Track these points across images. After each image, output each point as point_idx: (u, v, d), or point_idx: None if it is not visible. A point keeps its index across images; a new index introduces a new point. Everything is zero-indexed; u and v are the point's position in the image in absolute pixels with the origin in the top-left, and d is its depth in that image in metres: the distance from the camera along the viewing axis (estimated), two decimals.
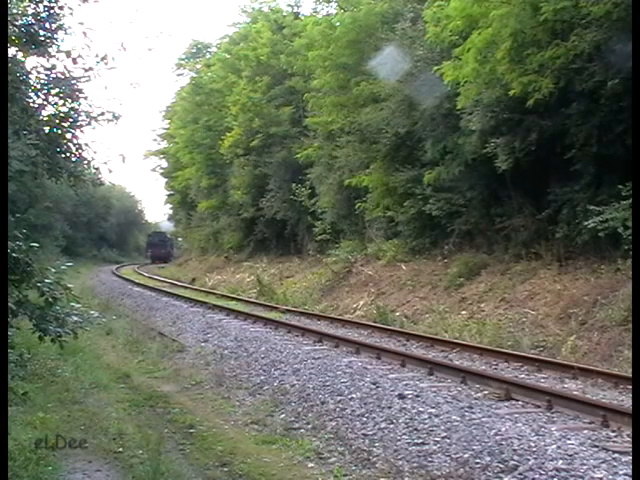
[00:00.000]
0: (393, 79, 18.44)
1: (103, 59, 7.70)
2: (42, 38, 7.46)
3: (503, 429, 6.22)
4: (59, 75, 7.61)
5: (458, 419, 6.59)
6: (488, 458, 5.59)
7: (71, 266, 7.27)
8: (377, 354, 10.36)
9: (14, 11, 7.41)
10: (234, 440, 6.68)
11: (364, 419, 7.04)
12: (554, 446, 5.70)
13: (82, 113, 7.93)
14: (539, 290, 12.99)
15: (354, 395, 7.81)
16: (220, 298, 21.83)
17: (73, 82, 7.65)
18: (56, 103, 7.81)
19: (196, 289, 26.78)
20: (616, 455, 5.51)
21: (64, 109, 7.81)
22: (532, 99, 12.73)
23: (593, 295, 11.50)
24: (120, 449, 5.97)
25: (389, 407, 7.20)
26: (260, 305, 19.31)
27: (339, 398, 7.83)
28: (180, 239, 61.26)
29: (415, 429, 6.50)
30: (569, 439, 5.94)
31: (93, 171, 8.91)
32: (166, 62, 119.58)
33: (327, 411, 7.54)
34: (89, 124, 7.99)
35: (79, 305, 6.00)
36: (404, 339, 12.32)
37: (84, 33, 7.51)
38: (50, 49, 7.54)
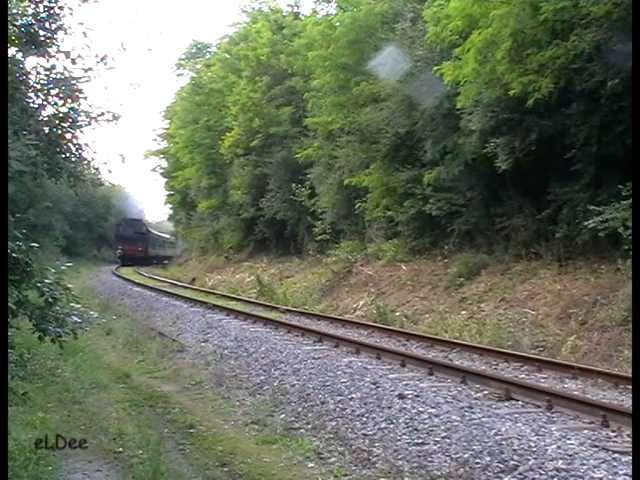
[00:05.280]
0: (393, 79, 18.44)
1: (103, 59, 7.71)
2: (42, 38, 7.47)
3: (503, 429, 6.22)
4: (59, 75, 7.61)
5: (458, 419, 6.59)
6: (488, 458, 5.59)
7: (71, 266, 7.28)
8: (377, 354, 10.36)
9: (14, 11, 7.42)
10: (234, 440, 6.67)
11: (364, 419, 7.04)
12: (554, 446, 5.70)
13: (82, 113, 7.95)
14: (539, 290, 12.99)
15: (354, 395, 7.81)
16: (220, 298, 21.84)
17: (73, 82, 7.66)
18: (56, 103, 7.83)
19: (196, 289, 26.79)
20: (616, 455, 5.51)
21: (64, 109, 7.83)
22: (532, 99, 12.73)
23: (593, 295, 11.49)
24: (120, 449, 5.96)
25: (389, 407, 7.20)
26: (260, 305, 19.32)
27: (339, 398, 7.82)
28: (175, 238, 56.76)
29: (415, 429, 6.50)
30: (569, 439, 5.94)
31: (93, 171, 8.92)
32: (166, 62, 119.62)
33: (327, 411, 7.54)
34: (89, 124, 8.01)
35: (79, 305, 6.00)
36: (404, 339, 12.32)
37: (84, 33, 7.54)
38: (50, 49, 7.55)
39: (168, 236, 61.77)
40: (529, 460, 5.43)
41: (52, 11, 7.57)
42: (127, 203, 59.65)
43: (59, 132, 7.86)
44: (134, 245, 45.65)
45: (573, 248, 13.36)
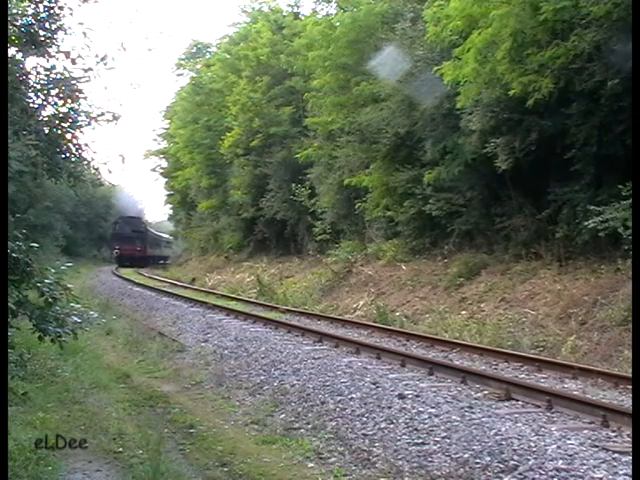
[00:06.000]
0: (393, 79, 18.44)
1: (103, 59, 7.71)
2: (42, 38, 7.46)
3: (503, 429, 6.22)
4: (59, 75, 7.61)
5: (458, 419, 6.58)
6: (488, 458, 5.59)
7: (71, 266, 7.29)
8: (377, 354, 10.36)
9: (14, 11, 7.41)
10: (234, 440, 6.67)
11: (364, 419, 7.03)
12: (554, 446, 5.70)
13: (82, 113, 7.93)
14: (539, 290, 12.99)
15: (354, 395, 7.80)
16: (220, 298, 21.84)
17: (73, 82, 7.65)
18: (56, 103, 7.82)
19: (196, 289, 26.79)
20: (616, 455, 5.51)
21: (64, 109, 7.82)
22: (532, 99, 12.73)
23: (593, 295, 11.50)
24: (120, 449, 5.96)
25: (389, 407, 7.20)
26: (260, 305, 19.32)
27: (339, 398, 7.82)
28: (174, 238, 55.83)
29: (415, 429, 6.50)
30: (569, 439, 5.94)
31: (93, 171, 8.91)
32: (166, 62, 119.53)
33: (327, 411, 7.53)
34: (89, 124, 7.99)
35: (79, 305, 6.01)
36: (404, 339, 12.32)
37: (84, 33, 7.53)
38: (50, 49, 7.55)
39: (167, 235, 61.57)
40: (529, 460, 5.43)
41: (52, 11, 7.56)
42: (127, 203, 59.16)
43: (59, 132, 7.85)
44: (132, 245, 43.07)
45: (573, 248, 13.36)
